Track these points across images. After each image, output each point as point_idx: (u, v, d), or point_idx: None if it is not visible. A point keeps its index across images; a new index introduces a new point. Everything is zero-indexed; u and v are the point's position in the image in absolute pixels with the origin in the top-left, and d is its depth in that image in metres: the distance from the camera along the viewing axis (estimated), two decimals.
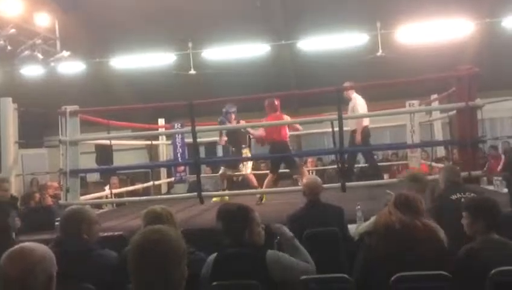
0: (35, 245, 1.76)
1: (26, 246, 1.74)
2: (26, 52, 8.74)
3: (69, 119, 6.15)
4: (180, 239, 1.82)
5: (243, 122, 7.46)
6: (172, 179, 9.32)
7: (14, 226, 4.69)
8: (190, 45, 11.68)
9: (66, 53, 9.31)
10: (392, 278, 2.65)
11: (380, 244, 2.80)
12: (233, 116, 7.27)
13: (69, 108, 6.23)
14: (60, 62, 9.68)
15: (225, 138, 7.51)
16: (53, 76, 10.74)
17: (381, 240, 2.82)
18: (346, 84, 7.20)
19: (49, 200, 6.84)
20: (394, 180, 7.25)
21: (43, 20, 8.94)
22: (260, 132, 7.02)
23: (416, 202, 2.98)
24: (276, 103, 6.89)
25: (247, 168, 7.43)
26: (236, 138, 7.38)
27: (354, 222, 4.56)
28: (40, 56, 8.86)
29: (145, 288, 1.73)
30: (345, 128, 6.91)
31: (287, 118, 6.96)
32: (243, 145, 7.37)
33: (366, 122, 7.44)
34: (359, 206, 4.70)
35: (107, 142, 7.45)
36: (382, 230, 2.86)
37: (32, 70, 9.97)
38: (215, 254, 2.88)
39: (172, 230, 1.87)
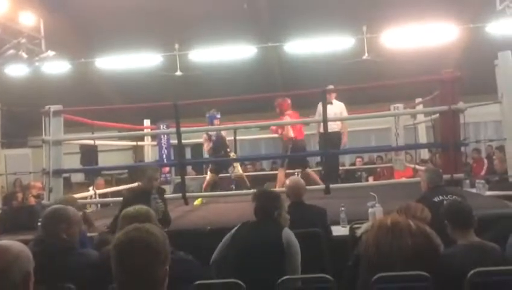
0: (11, 243, 1.73)
1: (1, 244, 1.72)
2: (11, 52, 8.63)
3: (52, 119, 6.11)
4: (164, 237, 1.80)
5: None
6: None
7: None
8: (176, 46, 11.67)
9: (51, 53, 9.21)
10: (373, 278, 2.67)
11: (370, 237, 2.85)
12: (217, 122, 7.24)
13: (53, 107, 6.19)
14: (45, 62, 9.57)
15: (210, 145, 7.29)
16: (38, 76, 10.64)
17: (372, 233, 2.87)
18: (330, 87, 7.25)
19: (32, 200, 6.78)
20: (379, 182, 7.35)
21: (28, 19, 8.83)
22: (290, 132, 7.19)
23: (416, 209, 3.18)
24: (289, 101, 7.15)
25: (238, 170, 7.39)
26: (222, 143, 7.33)
27: (337, 223, 4.60)
28: (24, 55, 8.75)
29: (127, 287, 1.72)
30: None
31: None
32: (228, 149, 7.35)
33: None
34: (343, 208, 4.74)
35: (91, 142, 7.40)
36: (376, 226, 2.92)
37: (16, 70, 9.85)
38: (239, 225, 3.45)
39: (156, 228, 1.85)
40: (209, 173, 7.43)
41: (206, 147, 7.23)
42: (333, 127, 7.36)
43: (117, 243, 1.75)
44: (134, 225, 1.82)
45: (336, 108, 7.39)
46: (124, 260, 1.70)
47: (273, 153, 13.49)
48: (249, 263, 3.01)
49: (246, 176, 8.06)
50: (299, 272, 3.17)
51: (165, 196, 4.94)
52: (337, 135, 7.36)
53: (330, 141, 7.16)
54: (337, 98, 7.62)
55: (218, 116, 7.22)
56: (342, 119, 7.25)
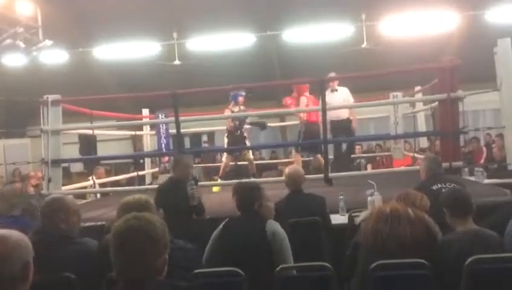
0: (10, 232, 1.73)
1: (1, 233, 1.72)
2: (8, 41, 8.61)
3: (50, 109, 6.09)
4: (163, 226, 1.80)
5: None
6: (157, 169, 9.30)
7: None
8: (175, 35, 11.62)
9: (48, 42, 9.18)
10: (372, 266, 2.68)
11: (369, 225, 2.86)
12: (242, 99, 7.22)
13: (51, 97, 6.17)
14: (43, 51, 9.56)
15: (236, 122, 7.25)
16: (35, 65, 10.62)
17: (371, 221, 2.89)
18: (332, 74, 7.22)
19: (31, 190, 6.77)
20: (378, 170, 7.36)
21: (25, 8, 8.81)
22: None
23: (416, 197, 3.14)
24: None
25: (249, 155, 7.42)
26: (243, 122, 7.34)
27: (336, 211, 4.61)
28: (22, 45, 8.73)
29: (126, 275, 1.72)
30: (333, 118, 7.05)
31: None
32: (244, 131, 7.38)
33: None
34: (342, 196, 4.75)
35: (90, 132, 7.39)
36: (374, 214, 2.94)
37: (14, 60, 9.83)
38: (227, 220, 3.41)
39: (155, 217, 1.85)
40: (225, 155, 7.49)
41: (229, 123, 7.19)
42: (343, 114, 7.32)
43: (116, 231, 1.75)
44: (134, 214, 1.82)
45: (341, 94, 7.34)
46: (122, 248, 1.71)
47: (272, 142, 13.51)
48: (238, 261, 2.95)
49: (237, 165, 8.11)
50: (291, 261, 3.14)
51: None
52: (348, 122, 7.32)
53: (341, 129, 7.17)
54: (339, 84, 7.54)
55: (243, 93, 7.22)
56: (341, 108, 7.21)
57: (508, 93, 5.12)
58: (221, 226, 3.38)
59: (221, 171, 7.41)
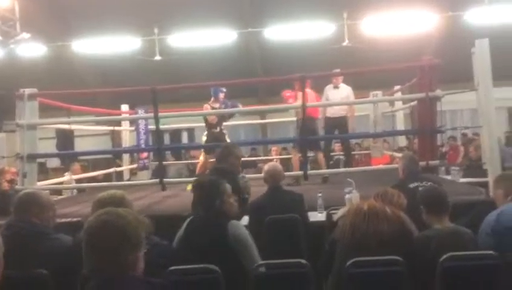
0: None
1: None
2: None
3: (27, 103, 5.97)
4: (137, 222, 1.76)
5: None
6: (135, 165, 9.21)
7: None
8: (156, 30, 11.53)
9: (26, 35, 9.03)
10: (348, 263, 2.69)
11: (347, 222, 2.87)
12: (223, 95, 7.14)
13: (27, 91, 6.05)
14: (20, 44, 9.39)
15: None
16: (12, 58, 10.44)
17: (349, 218, 2.89)
18: (337, 70, 7.21)
19: (6, 185, 6.65)
20: (356, 169, 7.39)
21: (3, 0, 8.64)
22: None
23: (393, 195, 3.18)
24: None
25: None
26: (221, 121, 7.27)
27: (314, 209, 4.62)
28: None
29: (96, 271, 1.69)
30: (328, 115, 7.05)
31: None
32: (223, 128, 7.30)
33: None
34: (320, 194, 4.76)
35: (67, 127, 7.29)
36: (352, 211, 2.95)
37: None
38: (190, 218, 3.23)
39: (129, 212, 1.82)
40: (202, 154, 7.35)
41: (212, 118, 7.06)
42: (340, 112, 7.28)
43: (87, 226, 1.72)
44: (106, 209, 1.79)
45: (342, 92, 7.32)
46: (92, 243, 1.68)
47: (252, 139, 13.49)
48: (201, 261, 2.83)
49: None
50: (258, 259, 3.03)
51: (142, 181, 4.87)
52: (344, 120, 7.31)
53: (336, 126, 7.16)
54: (344, 82, 7.50)
55: (224, 89, 7.17)
56: (321, 105, 7.22)
57: (484, 94, 5.18)
58: (184, 224, 3.20)
59: (198, 169, 7.29)
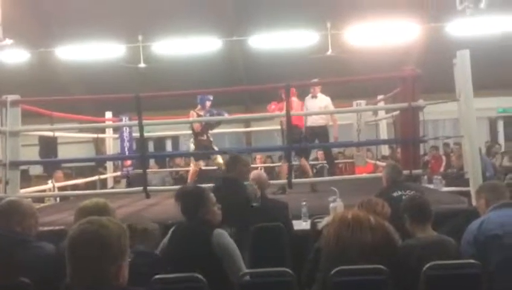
0: None
1: None
2: None
3: (9, 109, 5.91)
4: (120, 231, 1.73)
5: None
6: (119, 173, 9.14)
7: None
8: (140, 37, 11.52)
9: (8, 41, 8.94)
10: (332, 272, 2.70)
11: (331, 230, 2.88)
12: (209, 103, 7.20)
13: (10, 97, 5.99)
14: (3, 50, 9.30)
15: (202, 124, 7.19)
16: None
17: (333, 227, 2.91)
18: (315, 80, 7.28)
19: None
20: (340, 177, 7.44)
21: None
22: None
23: (377, 204, 3.21)
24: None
25: (219, 159, 7.28)
26: (208, 127, 7.28)
27: (299, 217, 4.64)
28: None
29: (78, 280, 1.67)
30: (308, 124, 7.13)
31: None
32: (209, 135, 7.33)
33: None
34: (305, 202, 4.78)
35: (50, 134, 7.22)
36: (336, 220, 2.96)
37: None
38: (174, 226, 3.24)
39: (112, 221, 1.78)
40: (192, 162, 7.42)
41: (197, 125, 7.10)
42: (319, 121, 7.30)
43: (69, 235, 1.70)
44: (89, 218, 1.76)
45: (321, 102, 7.37)
46: (74, 253, 1.66)
47: (237, 147, 13.47)
48: (185, 270, 2.84)
49: (204, 170, 8.05)
50: (243, 269, 3.04)
51: (126, 189, 4.85)
52: (324, 129, 7.35)
53: (316, 135, 7.20)
54: (326, 91, 7.55)
55: (211, 98, 7.21)
56: (305, 114, 7.26)
57: (466, 104, 5.26)
58: (169, 233, 3.22)
59: (189, 178, 7.33)
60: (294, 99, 6.97)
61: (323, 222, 3.29)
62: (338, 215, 3.08)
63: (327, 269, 2.78)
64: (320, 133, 7.32)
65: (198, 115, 7.13)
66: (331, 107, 7.39)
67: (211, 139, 7.32)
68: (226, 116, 7.38)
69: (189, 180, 7.32)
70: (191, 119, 7.16)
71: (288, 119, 5.85)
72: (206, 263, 2.93)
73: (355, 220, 2.87)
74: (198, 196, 3.21)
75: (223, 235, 3.10)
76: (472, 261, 2.81)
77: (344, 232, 2.84)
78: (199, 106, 7.22)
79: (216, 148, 7.49)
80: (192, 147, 7.33)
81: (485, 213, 3.18)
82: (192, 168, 7.45)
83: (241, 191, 4.05)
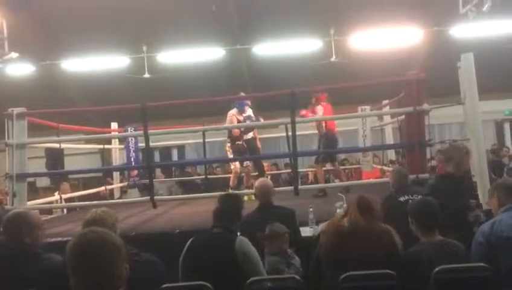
0: None
1: None
2: None
3: (16, 122, 5.95)
4: (116, 240, 1.74)
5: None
6: (126, 183, 9.16)
7: None
8: (144, 48, 11.56)
9: (14, 54, 9.01)
10: (341, 278, 2.69)
11: (328, 242, 2.86)
12: (247, 108, 7.23)
13: (16, 110, 6.03)
14: (8, 64, 9.38)
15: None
16: (0, 78, 10.39)
17: (329, 238, 2.88)
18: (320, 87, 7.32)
19: None
20: (347, 183, 7.42)
21: None
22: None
23: (373, 205, 3.09)
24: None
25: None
26: (242, 134, 7.30)
27: (306, 224, 4.62)
28: None
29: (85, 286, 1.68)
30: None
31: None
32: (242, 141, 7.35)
33: None
34: (311, 209, 4.76)
35: (57, 145, 7.25)
36: (331, 229, 2.93)
37: None
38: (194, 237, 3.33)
39: (107, 231, 1.80)
40: (235, 165, 7.41)
41: (235, 130, 7.13)
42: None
43: (69, 245, 1.71)
44: (87, 228, 1.79)
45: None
46: (74, 262, 1.67)
47: None
48: (207, 279, 2.87)
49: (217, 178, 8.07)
50: (264, 274, 3.12)
51: (132, 199, 4.84)
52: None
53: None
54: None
55: (249, 102, 7.28)
56: (310, 121, 7.25)
57: (471, 107, 5.24)
58: (188, 243, 3.30)
59: (231, 181, 7.41)
60: (324, 104, 6.98)
61: (319, 228, 3.27)
62: (334, 223, 3.02)
63: (332, 275, 2.76)
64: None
65: (238, 120, 7.12)
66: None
67: (245, 145, 7.30)
68: (262, 121, 7.37)
69: (231, 183, 7.38)
70: (230, 125, 7.13)
71: (293, 126, 5.81)
72: (231, 273, 3.03)
73: (352, 227, 2.84)
74: (239, 207, 3.45)
75: (246, 243, 3.19)
76: (481, 264, 2.79)
77: (340, 238, 2.81)
78: (236, 110, 7.19)
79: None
80: (229, 150, 7.36)
81: (496, 213, 3.16)
82: (233, 169, 7.46)
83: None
